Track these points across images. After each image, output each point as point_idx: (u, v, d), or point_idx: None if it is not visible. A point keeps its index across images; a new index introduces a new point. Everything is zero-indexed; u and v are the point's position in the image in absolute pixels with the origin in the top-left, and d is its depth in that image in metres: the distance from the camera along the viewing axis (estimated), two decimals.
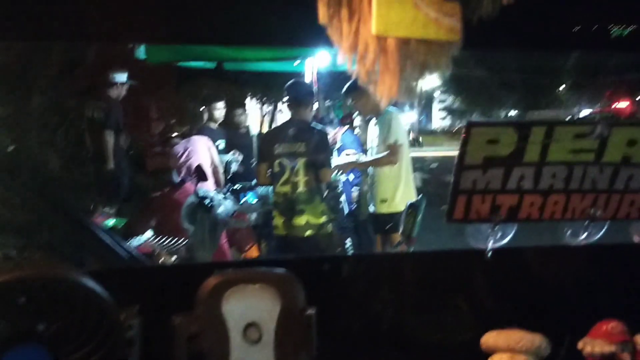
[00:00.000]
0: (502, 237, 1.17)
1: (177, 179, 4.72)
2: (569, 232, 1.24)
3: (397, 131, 4.22)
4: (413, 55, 0.78)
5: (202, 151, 5.21)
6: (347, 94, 4.47)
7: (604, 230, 1.24)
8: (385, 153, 4.23)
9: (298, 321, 0.96)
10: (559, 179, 1.16)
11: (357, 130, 5.33)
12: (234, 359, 0.94)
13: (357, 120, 5.46)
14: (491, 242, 1.16)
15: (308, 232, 4.30)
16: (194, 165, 5.06)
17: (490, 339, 1.09)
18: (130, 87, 5.42)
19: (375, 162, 4.35)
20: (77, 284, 0.81)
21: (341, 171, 4.70)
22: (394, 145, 4.20)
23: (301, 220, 4.29)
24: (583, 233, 1.23)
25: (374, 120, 4.44)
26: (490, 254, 1.16)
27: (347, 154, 4.88)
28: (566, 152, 1.13)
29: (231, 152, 5.50)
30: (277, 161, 4.28)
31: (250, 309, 0.96)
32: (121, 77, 5.43)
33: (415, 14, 0.75)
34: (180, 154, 5.18)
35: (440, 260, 1.30)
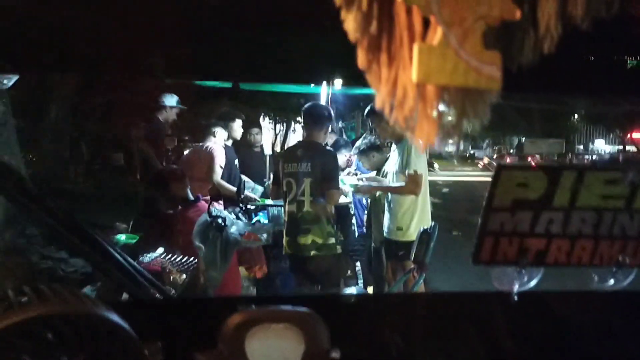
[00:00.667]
0: (529, 281, 1.16)
1: (190, 196, 4.74)
2: (596, 278, 1.23)
3: (417, 160, 4.21)
4: (452, 103, 0.77)
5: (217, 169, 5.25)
6: (368, 117, 4.52)
7: (632, 276, 1.22)
8: (406, 183, 4.21)
9: None
10: (588, 224, 1.14)
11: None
12: None
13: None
14: (517, 285, 1.14)
15: (313, 252, 4.34)
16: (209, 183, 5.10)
17: None
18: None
19: (398, 190, 4.34)
20: (102, 319, 0.80)
21: (362, 192, 4.72)
22: (414, 175, 4.19)
23: (306, 239, 4.34)
24: (611, 279, 1.20)
25: (393, 146, 4.45)
26: (516, 297, 1.14)
27: (361, 178, 4.90)
28: (596, 197, 1.12)
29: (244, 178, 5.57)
30: (285, 180, 4.37)
31: (273, 348, 0.94)
32: (172, 100, 5.67)
33: (457, 62, 0.74)
34: (194, 171, 5.22)
35: (465, 302, 1.28)
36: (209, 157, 5.19)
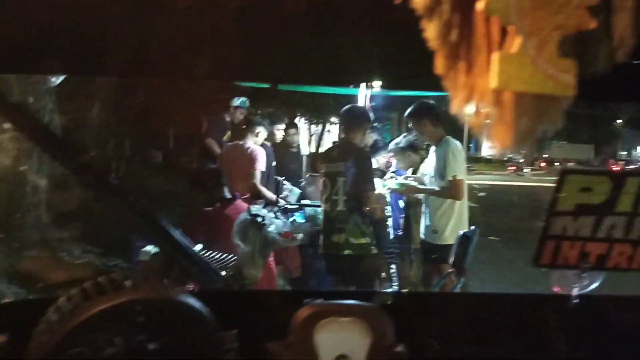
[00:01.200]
0: (589, 285, 1.17)
1: (228, 195, 4.83)
2: None
3: (456, 165, 4.20)
4: (528, 109, 0.80)
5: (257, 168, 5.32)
6: (408, 118, 4.52)
7: None
8: (447, 187, 4.20)
9: (387, 357, 0.98)
10: None
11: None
12: None
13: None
14: (577, 288, 1.15)
15: (346, 251, 4.37)
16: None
17: None
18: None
19: (438, 194, 4.32)
20: (188, 306, 0.85)
21: (408, 191, 4.73)
22: (455, 180, 4.18)
23: (340, 238, 4.37)
24: None
25: (432, 148, 4.45)
26: (576, 300, 1.16)
27: (404, 178, 4.90)
28: None
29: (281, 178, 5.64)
30: (321, 180, 4.44)
31: (341, 341, 0.98)
32: (240, 102, 5.86)
33: (534, 69, 0.78)
34: (234, 170, 5.30)
35: (525, 304, 1.30)
36: (251, 158, 5.26)
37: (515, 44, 0.78)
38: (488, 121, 0.82)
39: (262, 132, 5.40)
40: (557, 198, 1.08)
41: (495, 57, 0.77)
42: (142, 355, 0.84)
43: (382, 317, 1.00)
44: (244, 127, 5.41)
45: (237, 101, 6.02)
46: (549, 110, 0.81)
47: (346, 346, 0.98)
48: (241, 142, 5.43)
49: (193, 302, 0.85)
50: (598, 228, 1.12)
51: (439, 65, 0.81)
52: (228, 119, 6.05)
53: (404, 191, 4.68)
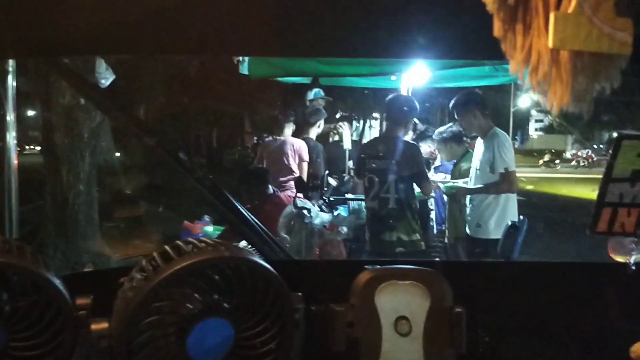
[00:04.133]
0: None
1: (271, 189, 4.90)
2: None
3: (507, 157, 4.08)
4: (585, 67, 0.82)
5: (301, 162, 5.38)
6: (454, 109, 4.40)
7: None
8: (499, 181, 4.10)
9: (447, 318, 1.01)
10: None
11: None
12: (385, 349, 1.01)
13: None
14: (634, 255, 1.16)
15: (399, 249, 4.26)
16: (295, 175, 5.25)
17: None
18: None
19: (492, 190, 4.21)
20: (260, 267, 0.91)
21: (458, 197, 4.60)
22: (507, 173, 4.07)
23: (391, 236, 4.26)
24: None
25: (479, 140, 4.33)
26: (633, 267, 1.16)
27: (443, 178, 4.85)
28: None
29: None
30: (367, 176, 4.30)
31: (400, 303, 1.02)
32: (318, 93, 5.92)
33: (590, 28, 0.80)
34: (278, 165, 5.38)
35: (583, 272, 1.31)
36: (297, 152, 5.31)
37: (571, 3, 0.80)
38: (546, 80, 0.84)
39: (307, 128, 5.45)
40: (613, 164, 1.08)
41: (552, 17, 0.79)
42: (217, 311, 0.91)
43: (440, 281, 1.03)
44: (312, 121, 5.41)
45: (311, 94, 6.01)
46: (606, 69, 0.83)
47: (406, 308, 1.02)
48: (283, 138, 5.46)
49: (265, 264, 0.91)
50: None
51: (497, 28, 0.84)
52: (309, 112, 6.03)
53: (455, 195, 4.56)
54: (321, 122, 5.44)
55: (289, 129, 5.45)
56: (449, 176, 4.96)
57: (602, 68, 0.83)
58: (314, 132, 5.45)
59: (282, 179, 5.24)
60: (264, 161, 5.44)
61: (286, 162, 5.35)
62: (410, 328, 1.01)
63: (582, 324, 1.24)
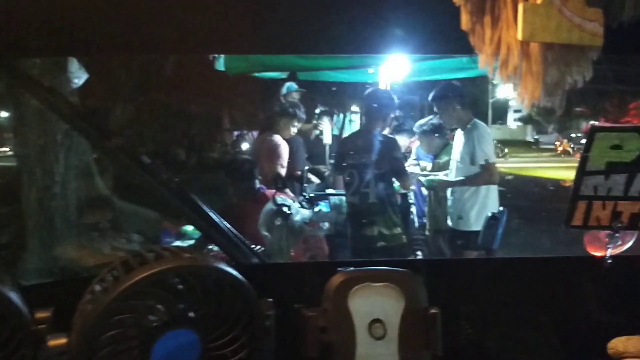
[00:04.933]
0: (622, 245, 1.15)
1: (257, 186, 4.83)
2: None
3: (487, 148, 4.08)
4: (556, 59, 0.80)
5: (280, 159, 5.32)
6: (433, 102, 4.39)
7: None
8: (479, 173, 4.11)
9: (422, 319, 0.98)
10: None
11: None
12: (360, 353, 0.98)
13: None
14: (611, 249, 1.14)
15: (380, 244, 4.25)
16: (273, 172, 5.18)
17: (619, 343, 1.07)
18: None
19: (472, 182, 4.21)
20: (227, 275, 0.87)
21: (438, 189, 4.59)
22: (487, 164, 4.07)
23: (373, 231, 4.25)
24: None
25: (458, 132, 4.33)
26: (610, 261, 1.15)
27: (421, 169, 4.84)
28: None
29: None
30: (347, 171, 4.28)
31: (374, 306, 0.99)
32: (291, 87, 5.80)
33: (560, 19, 0.77)
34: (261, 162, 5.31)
35: (558, 266, 1.29)
36: (274, 149, 5.24)
37: None
38: (516, 74, 0.81)
39: (284, 124, 5.38)
40: (587, 157, 1.07)
41: (521, 8, 0.76)
42: (182, 321, 0.87)
43: (415, 282, 1.00)
44: (283, 117, 5.33)
45: (284, 88, 5.93)
46: (577, 61, 0.81)
47: (380, 311, 0.99)
48: (266, 135, 5.38)
49: (231, 270, 0.87)
50: (630, 186, 1.11)
51: (464, 20, 0.81)
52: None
53: (436, 187, 4.56)
54: (295, 123, 5.37)
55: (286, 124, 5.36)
56: (429, 165, 4.97)
57: (574, 60, 0.80)
58: (287, 133, 5.37)
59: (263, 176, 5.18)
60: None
61: (267, 159, 5.27)
62: (385, 331, 0.99)
63: (560, 319, 1.23)
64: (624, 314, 1.20)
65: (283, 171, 5.27)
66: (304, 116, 5.53)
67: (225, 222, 1.37)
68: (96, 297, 0.85)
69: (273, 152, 5.24)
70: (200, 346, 0.88)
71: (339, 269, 1.04)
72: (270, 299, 0.97)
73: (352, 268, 1.05)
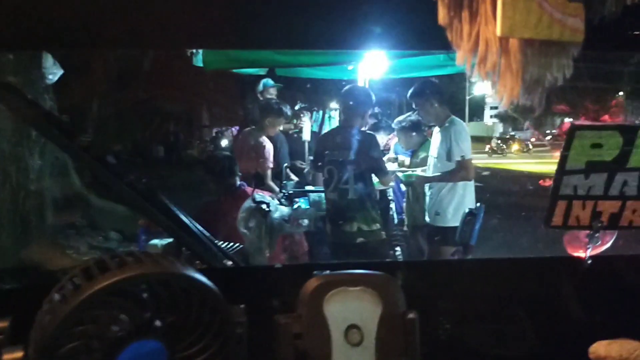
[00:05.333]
0: (602, 245, 1.14)
1: (237, 183, 4.78)
2: None
3: (463, 144, 4.11)
4: (536, 56, 0.77)
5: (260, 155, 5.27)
6: (411, 99, 4.41)
7: None
8: (455, 169, 4.13)
9: (399, 325, 0.95)
10: None
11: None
12: None
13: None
14: (590, 249, 1.13)
15: (359, 239, 4.27)
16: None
17: (600, 347, 1.06)
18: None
19: (449, 178, 4.24)
20: (195, 281, 0.83)
21: (415, 184, 4.62)
22: (463, 160, 4.10)
23: (352, 227, 4.27)
24: None
25: (436, 129, 4.36)
26: (589, 261, 1.13)
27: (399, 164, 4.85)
28: None
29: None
30: (327, 168, 4.28)
31: (351, 311, 0.96)
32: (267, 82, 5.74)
33: (541, 14, 0.74)
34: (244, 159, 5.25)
35: (539, 267, 1.28)
36: (258, 147, 5.19)
37: None
38: (495, 71, 0.78)
39: (269, 121, 5.32)
40: (567, 156, 1.05)
41: (500, 2, 0.73)
42: (148, 332, 0.82)
43: (392, 285, 0.97)
44: (267, 114, 5.27)
45: (260, 85, 5.88)
46: (557, 58, 0.78)
47: (357, 316, 0.96)
48: (248, 132, 5.33)
49: (199, 276, 0.83)
50: (610, 185, 1.09)
51: (441, 15, 0.78)
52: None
53: (414, 182, 4.59)
54: (281, 120, 5.31)
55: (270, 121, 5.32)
56: (407, 159, 4.98)
57: (554, 57, 0.78)
58: (272, 130, 5.32)
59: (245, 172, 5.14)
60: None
61: (250, 155, 5.23)
62: (362, 337, 0.95)
63: (540, 322, 1.21)
64: (605, 316, 1.19)
65: (269, 171, 5.23)
66: (290, 113, 5.49)
67: (197, 224, 1.33)
68: (55, 307, 0.80)
69: (258, 152, 5.19)
70: (168, 357, 0.84)
71: (315, 272, 1.00)
72: (242, 305, 0.93)
73: (327, 271, 1.02)
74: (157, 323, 0.83)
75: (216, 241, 3.62)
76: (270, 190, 5.07)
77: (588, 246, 1.13)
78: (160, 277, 0.80)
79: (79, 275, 0.82)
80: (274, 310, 1.00)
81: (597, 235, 1.13)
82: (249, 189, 4.57)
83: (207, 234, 1.33)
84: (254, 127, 5.39)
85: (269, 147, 5.17)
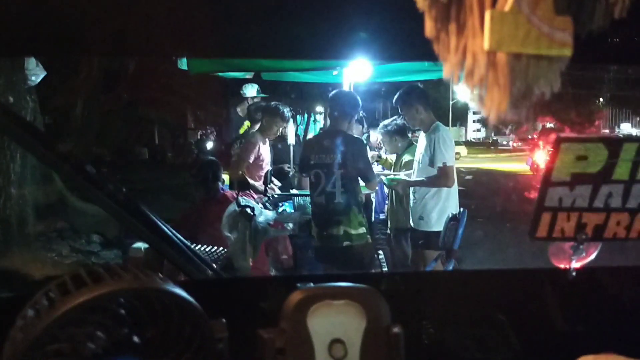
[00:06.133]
0: (587, 257, 1.14)
1: (221, 187, 4.75)
2: None
3: (446, 151, 4.15)
4: (524, 70, 0.76)
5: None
6: (397, 103, 4.45)
7: None
8: (436, 176, 4.17)
9: (384, 339, 0.94)
10: None
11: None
12: None
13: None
14: (575, 261, 1.13)
15: (346, 243, 4.30)
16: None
17: None
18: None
19: (430, 184, 4.27)
20: (174, 296, 0.81)
21: (398, 188, 4.66)
22: (444, 167, 4.14)
23: (338, 230, 4.29)
24: None
25: (421, 134, 4.39)
26: (574, 273, 1.13)
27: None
28: None
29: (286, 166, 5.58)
30: (313, 172, 4.30)
31: (335, 325, 0.94)
32: (252, 91, 5.75)
33: (529, 28, 0.73)
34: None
35: (523, 279, 1.27)
36: (240, 149, 5.19)
37: (508, 1, 0.73)
38: (482, 85, 0.77)
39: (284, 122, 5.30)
40: (552, 168, 1.04)
41: (488, 15, 0.72)
42: (126, 348, 0.80)
43: (377, 299, 0.96)
44: (267, 116, 5.25)
45: (246, 89, 5.89)
46: (545, 72, 0.77)
47: (341, 330, 0.94)
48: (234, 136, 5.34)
49: (178, 291, 0.80)
50: (595, 197, 1.09)
51: (428, 28, 0.77)
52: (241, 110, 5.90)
53: (396, 186, 4.61)
54: (280, 123, 5.30)
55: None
56: (393, 156, 5.01)
57: (542, 72, 0.77)
58: (271, 133, 5.29)
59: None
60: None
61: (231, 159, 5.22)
62: (346, 352, 0.94)
63: (526, 333, 1.21)
64: (590, 329, 1.19)
65: (261, 172, 5.22)
66: (289, 116, 5.51)
67: (177, 235, 1.30)
68: (28, 324, 0.77)
69: (257, 154, 5.18)
70: None
71: (298, 285, 0.99)
72: (224, 320, 0.91)
73: (311, 284, 1.00)
74: (135, 339, 0.81)
75: (199, 246, 3.59)
76: (255, 189, 5.05)
77: (572, 258, 1.13)
78: (138, 292, 0.78)
79: (54, 290, 0.79)
80: (256, 324, 0.98)
81: (581, 247, 1.13)
82: (228, 193, 4.55)
83: (188, 243, 1.31)
84: (255, 129, 5.40)
85: (266, 149, 5.18)
